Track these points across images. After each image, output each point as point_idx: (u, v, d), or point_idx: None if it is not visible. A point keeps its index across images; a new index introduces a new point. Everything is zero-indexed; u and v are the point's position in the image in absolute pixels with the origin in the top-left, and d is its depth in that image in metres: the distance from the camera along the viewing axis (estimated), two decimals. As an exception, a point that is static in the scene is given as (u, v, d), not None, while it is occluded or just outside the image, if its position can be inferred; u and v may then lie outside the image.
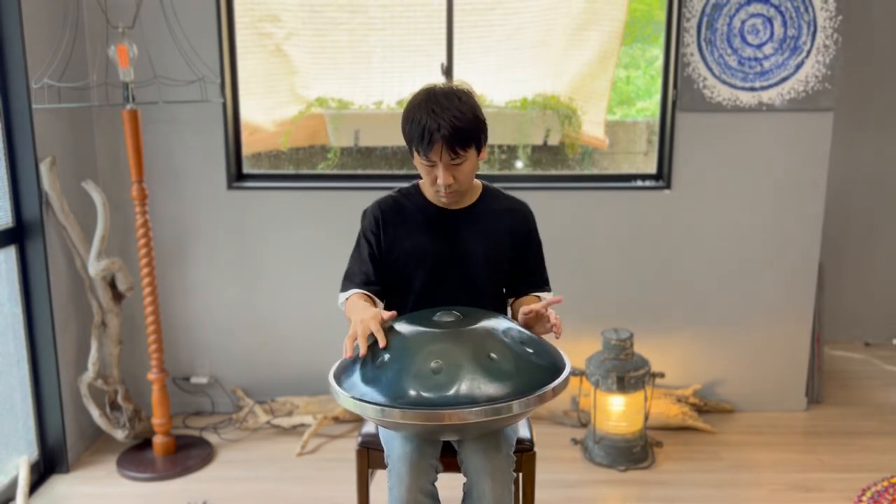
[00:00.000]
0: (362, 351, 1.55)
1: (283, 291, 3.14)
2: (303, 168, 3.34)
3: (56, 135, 2.72)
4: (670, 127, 3.04)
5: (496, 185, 1.94)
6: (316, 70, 3.29)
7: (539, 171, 3.37)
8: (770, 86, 2.97)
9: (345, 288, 1.85)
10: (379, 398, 1.48)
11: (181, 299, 3.14)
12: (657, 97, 3.13)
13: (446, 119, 1.64)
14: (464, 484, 1.70)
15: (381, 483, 1.88)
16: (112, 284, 2.83)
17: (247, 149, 3.19)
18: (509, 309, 1.97)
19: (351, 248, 1.90)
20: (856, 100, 3.75)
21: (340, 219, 3.04)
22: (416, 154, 1.73)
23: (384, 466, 1.74)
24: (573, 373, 1.73)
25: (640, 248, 3.12)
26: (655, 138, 3.14)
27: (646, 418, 2.85)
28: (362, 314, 1.63)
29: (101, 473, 2.77)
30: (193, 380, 3.20)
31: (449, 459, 1.73)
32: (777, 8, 2.92)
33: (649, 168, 3.20)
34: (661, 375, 2.92)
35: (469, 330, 1.59)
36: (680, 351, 3.19)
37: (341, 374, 1.60)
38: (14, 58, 2.50)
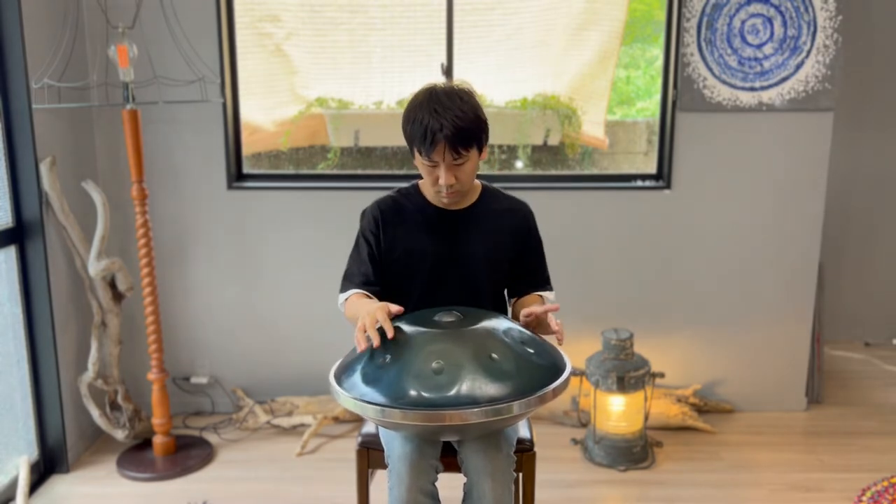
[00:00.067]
0: (375, 342, 1.54)
1: (283, 291, 3.14)
2: (303, 168, 3.34)
3: (56, 135, 2.72)
4: (670, 127, 3.04)
5: (496, 185, 1.94)
6: (316, 70, 3.29)
7: (539, 171, 3.37)
8: (770, 86, 2.97)
9: (344, 288, 1.85)
10: (379, 398, 1.48)
11: (181, 299, 3.14)
12: (657, 97, 3.13)
13: (449, 119, 1.64)
14: (464, 484, 1.70)
15: (381, 483, 1.88)
16: (112, 284, 2.83)
17: (247, 149, 3.19)
18: (510, 309, 1.97)
19: (351, 248, 1.90)
20: (856, 100, 3.75)
21: (340, 219, 3.04)
22: (417, 154, 1.72)
23: (384, 466, 1.74)
24: (573, 373, 1.72)
25: (640, 248, 3.12)
26: (655, 138, 3.14)
27: (646, 418, 2.85)
28: (368, 307, 1.62)
29: (101, 473, 2.77)
30: (193, 380, 3.20)
31: (449, 459, 1.73)
32: (777, 8, 2.92)
33: (649, 168, 3.20)
34: (661, 375, 2.92)
35: (470, 330, 1.59)
36: (680, 351, 3.19)
37: (342, 374, 1.60)
38: (14, 58, 2.49)
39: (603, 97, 3.36)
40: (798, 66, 2.95)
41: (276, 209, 3.09)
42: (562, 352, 1.69)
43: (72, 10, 2.78)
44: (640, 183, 3.15)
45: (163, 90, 2.84)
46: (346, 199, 3.06)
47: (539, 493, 2.41)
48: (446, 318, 1.63)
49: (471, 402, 1.44)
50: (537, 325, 1.69)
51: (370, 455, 1.86)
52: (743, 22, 2.93)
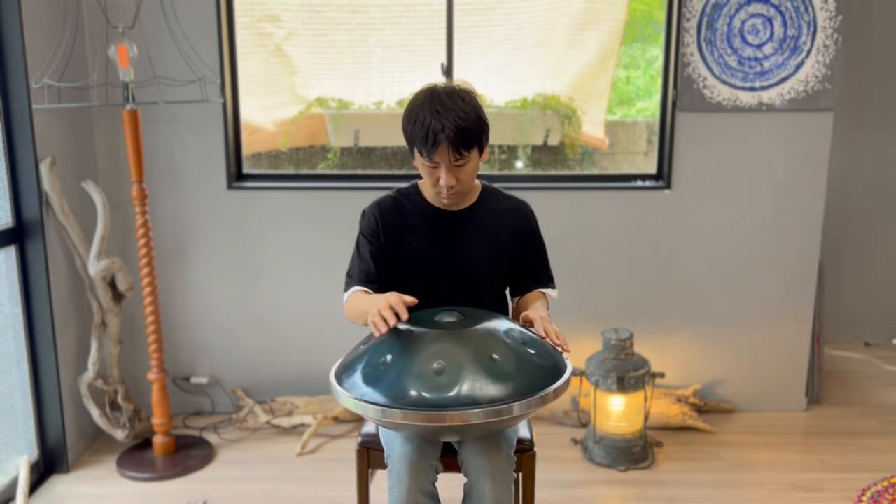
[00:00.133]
0: (392, 322, 1.54)
1: (283, 291, 3.14)
2: (303, 168, 3.34)
3: (56, 135, 2.72)
4: (670, 127, 3.04)
5: (496, 184, 1.94)
6: (316, 70, 3.28)
7: (539, 171, 3.37)
8: (770, 86, 2.97)
9: (347, 286, 1.84)
10: (380, 398, 1.48)
11: (181, 299, 3.14)
12: (657, 97, 3.13)
13: (450, 120, 1.62)
14: (464, 484, 1.70)
15: (381, 483, 1.88)
16: (112, 284, 2.83)
17: (247, 149, 3.18)
18: (512, 308, 1.97)
19: (351, 247, 1.90)
20: (856, 100, 3.75)
21: (340, 219, 3.04)
22: (417, 155, 1.71)
23: (384, 466, 1.74)
24: (574, 373, 1.72)
25: (640, 248, 3.12)
26: (655, 138, 3.14)
27: (646, 418, 2.85)
28: (377, 297, 1.62)
29: (101, 473, 2.77)
30: (193, 380, 3.19)
31: (449, 459, 1.73)
32: (777, 8, 2.92)
33: (649, 168, 3.20)
34: (661, 375, 2.92)
35: (471, 331, 1.58)
36: (680, 351, 3.19)
37: (342, 374, 1.60)
38: (14, 58, 2.49)
39: (603, 97, 3.36)
40: (798, 66, 2.95)
41: (276, 209, 3.09)
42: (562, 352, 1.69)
43: (72, 10, 2.78)
44: (640, 183, 3.15)
45: (163, 90, 2.84)
46: (346, 199, 3.06)
47: (539, 493, 2.41)
48: (447, 318, 1.63)
49: (471, 402, 1.44)
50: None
51: (370, 455, 1.86)
52: (743, 22, 2.93)
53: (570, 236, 3.08)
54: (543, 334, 1.64)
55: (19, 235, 2.62)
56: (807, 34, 2.93)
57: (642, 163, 3.39)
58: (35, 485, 2.67)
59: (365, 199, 1.95)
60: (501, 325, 1.63)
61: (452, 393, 1.45)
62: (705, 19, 2.92)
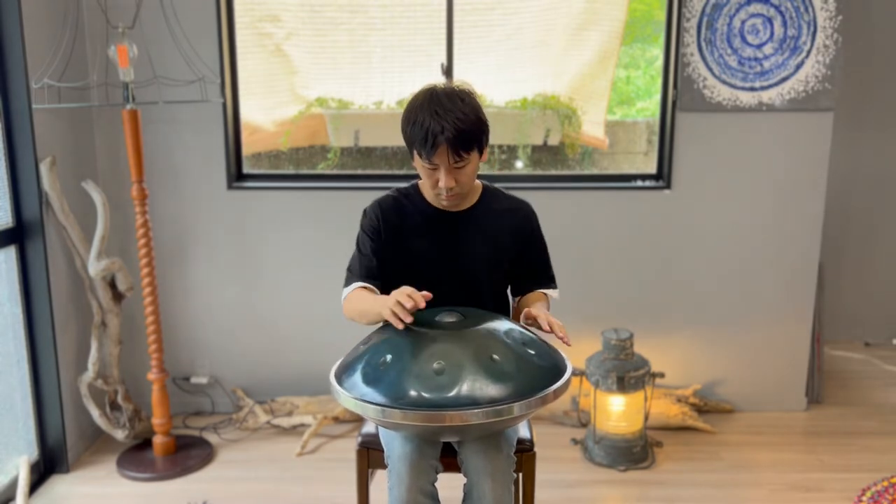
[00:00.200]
0: (411, 306, 1.54)
1: (283, 291, 3.14)
2: (303, 168, 3.34)
3: (56, 135, 2.72)
4: (670, 127, 3.04)
5: (497, 185, 1.93)
6: (316, 70, 3.28)
7: (539, 171, 3.37)
8: (770, 86, 2.97)
9: (348, 281, 1.83)
10: (380, 398, 1.48)
11: (181, 299, 3.14)
12: (657, 97, 3.13)
13: (450, 121, 1.62)
14: (464, 484, 1.70)
15: (381, 483, 1.88)
16: (112, 284, 2.83)
17: (247, 149, 3.18)
18: (512, 307, 1.97)
19: (351, 247, 1.89)
20: (856, 100, 3.75)
21: (340, 219, 3.04)
22: (417, 156, 1.70)
23: (384, 466, 1.74)
24: (574, 373, 1.72)
25: (640, 248, 3.12)
26: (655, 138, 3.14)
27: (646, 418, 2.85)
28: (385, 297, 1.62)
29: (101, 473, 2.77)
30: (193, 380, 3.20)
31: (449, 459, 1.73)
32: (777, 8, 2.92)
33: (649, 168, 3.20)
34: (661, 375, 2.92)
35: (471, 331, 1.59)
36: (680, 351, 3.19)
37: (342, 374, 1.60)
38: (14, 58, 2.49)
39: (603, 97, 3.36)
40: (798, 66, 2.95)
41: (276, 209, 3.09)
42: (562, 353, 1.69)
43: (72, 10, 2.78)
44: (640, 183, 3.15)
45: (163, 90, 2.84)
46: (346, 199, 3.06)
47: (539, 493, 2.41)
48: (447, 318, 1.63)
49: (471, 402, 1.45)
50: (538, 325, 1.69)
51: (370, 455, 1.86)
52: (743, 22, 2.93)
53: (570, 236, 3.08)
54: (548, 327, 1.63)
55: (19, 235, 2.62)
56: (807, 34, 2.93)
57: (642, 163, 3.39)
58: (35, 485, 2.67)
59: (365, 199, 1.95)
60: (501, 325, 1.63)
61: (452, 393, 1.45)
62: (705, 19, 2.92)
